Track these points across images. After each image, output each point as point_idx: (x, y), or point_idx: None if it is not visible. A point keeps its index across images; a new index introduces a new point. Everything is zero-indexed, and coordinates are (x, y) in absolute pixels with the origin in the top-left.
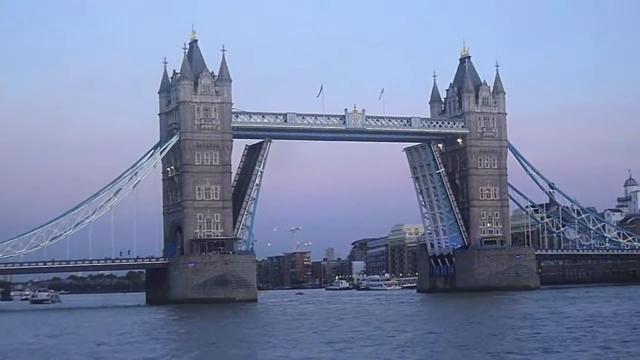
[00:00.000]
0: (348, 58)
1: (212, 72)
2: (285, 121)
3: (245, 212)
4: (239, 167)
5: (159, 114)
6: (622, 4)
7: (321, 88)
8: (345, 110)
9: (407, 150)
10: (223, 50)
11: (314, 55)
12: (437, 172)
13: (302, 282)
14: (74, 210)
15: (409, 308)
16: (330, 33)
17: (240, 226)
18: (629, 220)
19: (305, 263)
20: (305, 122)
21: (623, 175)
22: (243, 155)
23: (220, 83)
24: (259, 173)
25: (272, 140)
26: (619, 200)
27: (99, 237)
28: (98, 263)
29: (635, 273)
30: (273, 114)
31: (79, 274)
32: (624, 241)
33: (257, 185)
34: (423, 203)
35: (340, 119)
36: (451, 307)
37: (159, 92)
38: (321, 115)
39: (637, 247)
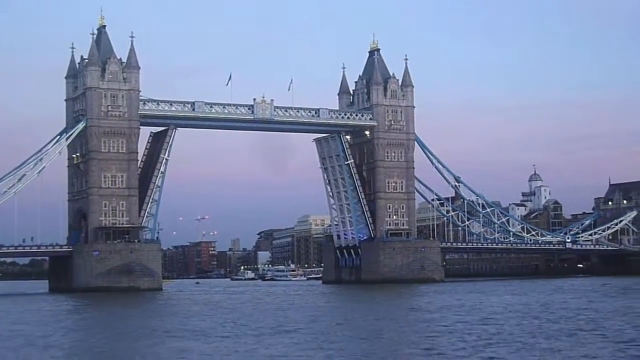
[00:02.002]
0: (257, 48)
1: (120, 59)
2: (194, 110)
3: (151, 200)
4: (144, 155)
5: (65, 100)
6: (538, 1)
7: (230, 77)
8: (254, 100)
9: (317, 140)
10: (132, 37)
11: (223, 44)
12: (346, 163)
13: (207, 272)
14: None
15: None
16: (240, 22)
17: (146, 214)
18: (532, 215)
19: (210, 253)
20: (214, 110)
21: (528, 170)
22: (148, 142)
23: (128, 70)
24: (164, 161)
25: (178, 128)
26: (523, 195)
27: (1, 224)
28: (0, 249)
29: (538, 267)
30: (181, 102)
31: None
32: (528, 235)
33: (162, 173)
34: (331, 194)
35: (249, 109)
36: (354, 300)
37: (65, 78)
38: (229, 105)
39: (540, 242)
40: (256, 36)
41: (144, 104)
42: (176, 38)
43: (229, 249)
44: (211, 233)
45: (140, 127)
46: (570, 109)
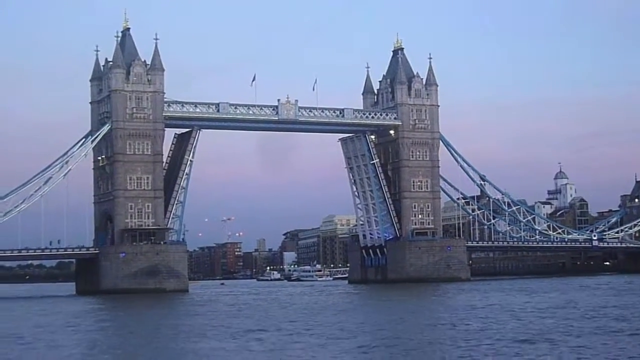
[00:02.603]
0: (281, 48)
1: (145, 61)
2: (218, 111)
3: (176, 202)
4: (168, 156)
5: (90, 103)
6: (557, 2)
7: (254, 77)
8: (278, 100)
9: (342, 140)
10: (156, 39)
11: (247, 45)
12: (372, 162)
13: (234, 273)
14: (3, 198)
15: (339, 299)
16: (264, 23)
17: (171, 216)
18: (558, 213)
19: (236, 253)
20: (238, 112)
21: (553, 168)
22: (172, 144)
23: (152, 72)
24: (188, 162)
25: (202, 129)
26: (549, 192)
27: (28, 227)
28: (27, 252)
29: (565, 265)
30: (205, 103)
31: (7, 263)
32: (554, 233)
33: (187, 174)
34: (356, 194)
35: (273, 109)
36: (383, 299)
37: (90, 80)
38: (254, 106)
39: (566, 240)
40: (280, 36)
41: (169, 105)
42: (200, 39)
43: (254, 249)
44: (237, 234)
45: (165, 128)
46: (595, 106)
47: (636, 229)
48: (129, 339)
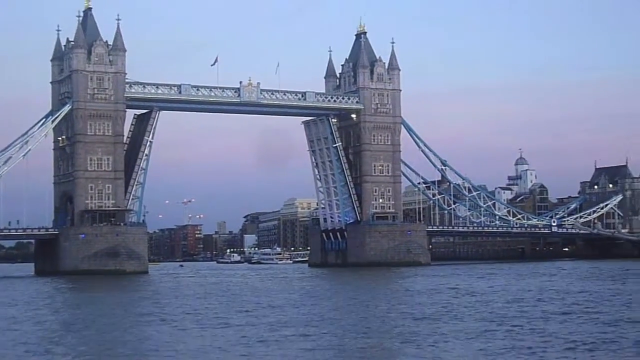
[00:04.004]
0: (244, 31)
1: (107, 42)
2: (180, 92)
3: (136, 183)
4: (128, 137)
5: (51, 83)
6: None
7: (216, 59)
8: (240, 83)
9: (305, 123)
10: (118, 20)
11: (210, 27)
12: (334, 146)
13: (194, 255)
14: None
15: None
16: (227, 5)
17: (131, 197)
18: (518, 199)
19: (197, 236)
20: (200, 94)
21: (514, 154)
22: (132, 125)
23: (114, 52)
24: (148, 143)
25: (163, 110)
26: (509, 178)
27: None
28: None
29: (524, 250)
30: (167, 85)
31: None
32: (514, 219)
33: (146, 155)
34: (318, 177)
35: (235, 92)
36: (343, 283)
37: (51, 60)
38: (216, 88)
39: (526, 225)
40: (243, 18)
41: (130, 86)
42: (162, 20)
43: (215, 232)
44: (197, 216)
45: (127, 110)
46: (556, 93)
47: (595, 215)
48: (78, 318)
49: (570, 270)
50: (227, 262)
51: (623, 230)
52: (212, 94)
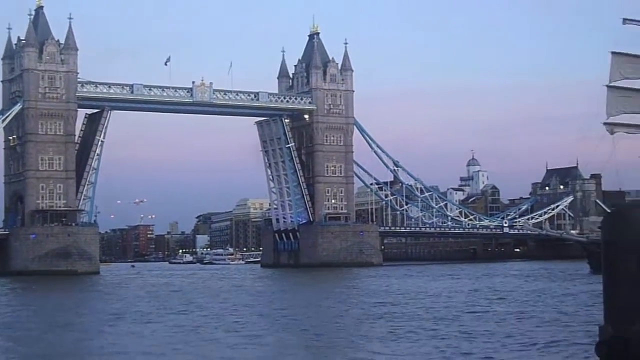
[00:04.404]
0: (197, 31)
1: (58, 40)
2: (132, 92)
3: (87, 183)
4: (79, 137)
5: (1, 81)
6: None
7: (168, 58)
8: (193, 83)
9: (258, 123)
10: (70, 18)
11: (163, 27)
12: (287, 146)
13: (145, 256)
14: None
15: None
16: (180, 4)
17: (82, 197)
18: (470, 200)
19: (148, 236)
20: (152, 93)
21: (466, 155)
22: (83, 124)
23: (66, 51)
24: (99, 143)
25: (114, 110)
26: (461, 179)
27: None
28: None
29: (476, 251)
30: (119, 84)
31: None
32: (466, 220)
33: (98, 155)
34: (271, 177)
35: (188, 92)
36: (295, 283)
37: (2, 59)
38: (168, 87)
39: (477, 226)
40: (196, 18)
41: (82, 86)
42: (115, 19)
43: (167, 232)
44: (149, 216)
45: (79, 109)
46: (508, 95)
47: (546, 216)
48: (36, 320)
49: (518, 271)
50: (179, 263)
51: (573, 232)
52: (165, 93)
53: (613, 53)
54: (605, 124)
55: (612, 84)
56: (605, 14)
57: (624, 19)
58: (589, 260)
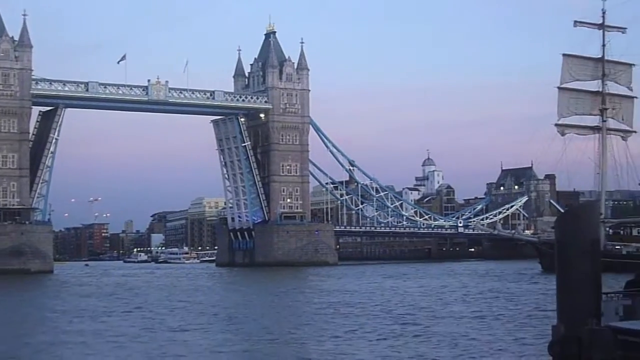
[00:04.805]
0: (153, 29)
1: (12, 37)
2: (87, 90)
3: (41, 181)
4: (33, 134)
5: None
6: None
7: (123, 57)
8: (149, 81)
9: (214, 122)
10: (24, 15)
11: (119, 24)
12: (243, 145)
13: (100, 254)
14: None
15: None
16: (136, 3)
17: (36, 195)
18: (425, 200)
19: (103, 235)
20: (107, 91)
21: (422, 155)
22: (37, 122)
23: (20, 48)
24: (53, 140)
25: (69, 108)
26: (416, 179)
27: None
28: None
29: (431, 251)
30: (74, 82)
31: None
32: (421, 219)
33: (52, 153)
34: (226, 176)
35: (143, 90)
36: (250, 282)
37: None
38: (124, 86)
39: (432, 226)
40: (152, 16)
41: (36, 83)
42: (70, 16)
43: (122, 231)
44: (104, 215)
45: (33, 107)
46: (463, 95)
47: (501, 216)
48: None
49: (472, 270)
50: (133, 262)
51: (527, 232)
52: (120, 92)
53: (564, 55)
54: (556, 125)
55: (563, 86)
56: (558, 16)
57: (575, 22)
58: (540, 260)
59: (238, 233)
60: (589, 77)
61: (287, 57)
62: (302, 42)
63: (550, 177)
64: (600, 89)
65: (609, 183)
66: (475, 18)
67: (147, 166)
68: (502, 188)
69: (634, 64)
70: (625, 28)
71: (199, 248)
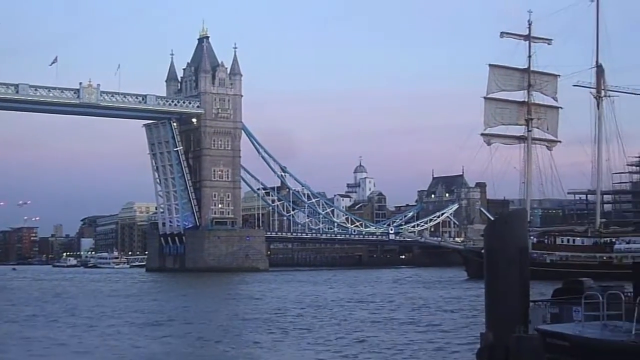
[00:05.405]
0: (85, 31)
1: None
2: (17, 92)
3: None
4: None
5: None
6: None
7: (55, 59)
8: (80, 84)
9: (147, 126)
10: None
11: (50, 27)
12: (175, 150)
13: (29, 258)
14: None
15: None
16: (68, 4)
17: None
18: (357, 206)
19: (32, 238)
20: (38, 94)
21: (354, 162)
22: None
23: None
24: None
25: (0, 110)
26: (348, 186)
27: None
28: None
29: (362, 258)
30: (4, 84)
31: None
32: (352, 226)
33: None
34: (158, 180)
35: (75, 93)
36: (179, 287)
37: None
38: (55, 88)
39: (364, 233)
40: (84, 19)
41: None
42: (0, 17)
43: (51, 235)
44: (33, 219)
45: None
46: (395, 102)
47: (432, 223)
48: None
49: (401, 277)
50: (63, 266)
51: (458, 239)
52: (51, 94)
53: (491, 65)
54: (482, 135)
55: (489, 96)
56: (488, 26)
57: (502, 33)
58: (466, 267)
59: (169, 238)
60: (515, 87)
61: (220, 62)
62: (235, 47)
63: (481, 185)
64: (526, 99)
65: (534, 192)
66: (408, 27)
67: (77, 170)
68: (433, 196)
69: (559, 75)
70: (551, 39)
71: (129, 253)
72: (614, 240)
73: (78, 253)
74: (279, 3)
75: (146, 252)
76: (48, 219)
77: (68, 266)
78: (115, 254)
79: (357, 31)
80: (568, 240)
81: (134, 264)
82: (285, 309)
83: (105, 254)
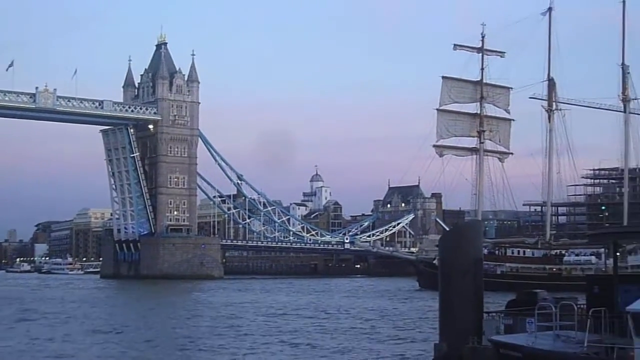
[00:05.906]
0: (41, 35)
1: None
2: None
3: None
4: None
5: None
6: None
7: (11, 63)
8: (36, 88)
9: (104, 132)
10: None
11: (5, 31)
12: (132, 156)
13: None
14: None
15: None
16: (24, 7)
17: None
18: (313, 215)
19: None
20: None
21: (310, 170)
22: None
23: None
24: None
25: None
26: (304, 195)
27: None
28: None
29: (317, 266)
30: None
31: None
32: (308, 235)
33: None
34: (114, 186)
35: (31, 97)
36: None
37: None
38: (10, 92)
39: (319, 242)
40: (41, 23)
41: None
42: None
43: (4, 240)
44: None
45: None
46: (351, 112)
47: (387, 233)
48: None
49: (355, 286)
50: (16, 271)
51: (413, 249)
52: (7, 98)
53: (444, 77)
54: (434, 146)
55: (442, 108)
56: (442, 38)
57: (455, 45)
58: (418, 278)
59: (124, 244)
60: (468, 99)
61: (177, 69)
62: (193, 54)
63: (437, 196)
64: (479, 112)
65: (486, 203)
66: (363, 38)
67: (32, 174)
68: (389, 205)
69: (511, 87)
70: (504, 52)
71: (84, 259)
72: (563, 252)
73: (32, 259)
74: (237, 11)
75: (101, 259)
76: (1, 223)
77: (22, 272)
78: (70, 259)
79: (314, 41)
80: (518, 252)
81: (88, 270)
82: (237, 317)
83: (59, 260)
